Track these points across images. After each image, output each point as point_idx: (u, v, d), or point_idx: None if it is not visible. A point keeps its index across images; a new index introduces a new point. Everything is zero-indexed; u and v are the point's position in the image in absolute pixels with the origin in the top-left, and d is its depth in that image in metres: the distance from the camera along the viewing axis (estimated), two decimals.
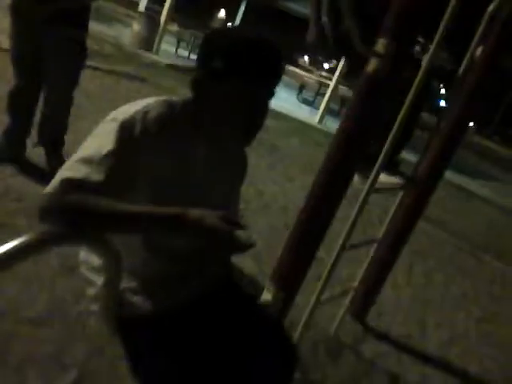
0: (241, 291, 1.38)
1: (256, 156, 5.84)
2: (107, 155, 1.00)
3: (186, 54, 13.03)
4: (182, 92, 7.70)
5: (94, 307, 1.21)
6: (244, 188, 4.82)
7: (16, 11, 2.78)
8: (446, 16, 1.80)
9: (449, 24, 1.79)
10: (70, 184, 0.96)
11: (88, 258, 1.21)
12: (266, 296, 1.81)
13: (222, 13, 20.63)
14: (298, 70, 17.06)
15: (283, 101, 13.17)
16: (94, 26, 3.27)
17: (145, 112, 1.06)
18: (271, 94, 1.11)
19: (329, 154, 1.74)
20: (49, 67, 2.88)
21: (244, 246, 0.95)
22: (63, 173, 0.98)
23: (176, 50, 12.82)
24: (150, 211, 0.97)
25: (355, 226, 2.05)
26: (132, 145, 1.03)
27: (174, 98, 1.16)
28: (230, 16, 19.99)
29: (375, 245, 2.49)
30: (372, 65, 1.63)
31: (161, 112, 1.08)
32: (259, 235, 3.53)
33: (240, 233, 0.94)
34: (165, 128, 1.08)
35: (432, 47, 1.82)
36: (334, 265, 2.14)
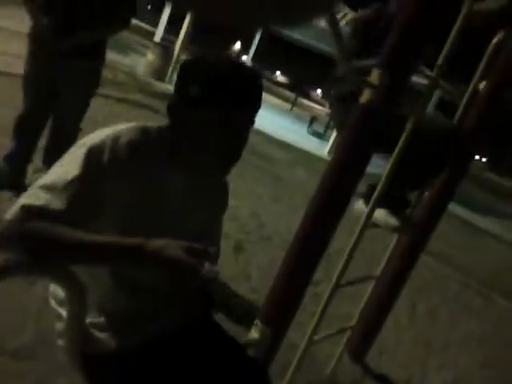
0: (218, 330, 1.30)
1: (260, 186, 5.80)
2: (71, 182, 0.95)
3: None
4: None
5: (61, 342, 1.14)
6: (245, 219, 4.78)
7: (35, 40, 2.79)
8: (447, 46, 1.76)
9: (449, 54, 1.75)
10: (28, 211, 0.92)
11: (56, 290, 1.14)
12: (253, 334, 1.72)
13: (238, 45, 20.98)
14: (309, 103, 17.19)
15: (292, 132, 13.27)
16: (109, 55, 3.30)
17: (115, 137, 1.02)
18: (250, 122, 1.07)
19: (321, 184, 1.69)
20: (61, 96, 2.89)
21: (205, 279, 0.88)
22: (23, 200, 0.94)
23: None
24: (108, 241, 0.91)
25: (351, 261, 1.97)
26: (99, 171, 0.98)
27: (150, 125, 1.11)
28: (245, 48, 20.32)
29: (373, 282, 2.40)
30: (366, 95, 1.59)
31: (133, 138, 1.04)
32: (258, 268, 3.45)
33: (205, 265, 0.88)
34: (137, 154, 1.03)
35: (432, 76, 1.77)
36: (328, 302, 2.05)
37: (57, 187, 0.94)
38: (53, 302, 1.16)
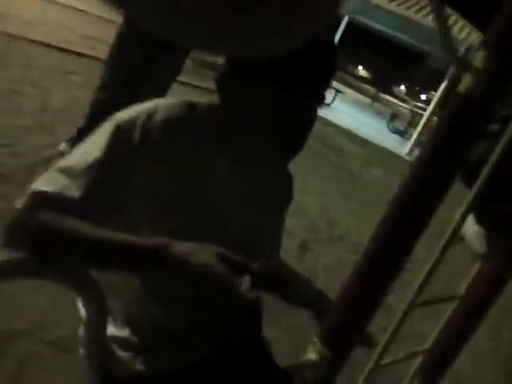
0: (266, 357, 1.08)
1: (331, 183, 5.52)
2: (92, 165, 0.79)
3: None
4: None
5: (81, 351, 0.98)
6: (313, 216, 4.52)
7: (127, 24, 2.74)
8: None
9: None
10: (41, 198, 0.76)
11: None
12: (310, 354, 1.50)
13: None
14: (391, 99, 16.65)
15: (371, 128, 12.76)
16: None
17: (151, 113, 0.83)
18: (318, 101, 0.85)
19: (405, 182, 1.42)
20: (142, 82, 2.81)
21: (240, 296, 0.68)
22: (37, 184, 0.78)
23: None
24: (125, 240, 0.74)
25: (431, 277, 1.70)
26: (127, 153, 0.80)
27: (198, 100, 0.91)
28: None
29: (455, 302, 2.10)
30: (465, 82, 1.30)
31: (172, 114, 0.85)
32: (325, 270, 3.21)
33: (240, 279, 0.68)
34: (175, 134, 0.84)
35: None
36: (400, 324, 1.79)
37: (75, 171, 0.78)
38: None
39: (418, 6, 11.91)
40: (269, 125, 0.83)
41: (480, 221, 1.76)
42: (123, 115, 0.84)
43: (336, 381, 1.59)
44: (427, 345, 2.11)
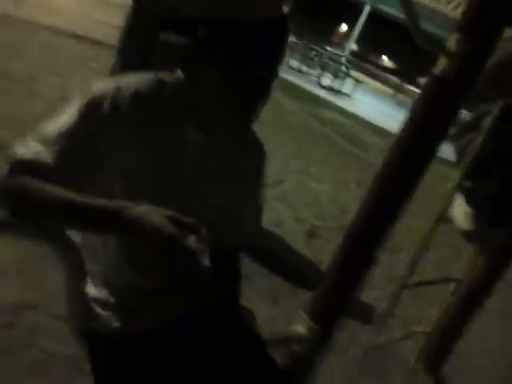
0: (241, 319, 1.14)
1: (346, 172, 5.54)
2: (64, 133, 0.87)
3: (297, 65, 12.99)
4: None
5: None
6: (324, 204, 4.53)
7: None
8: None
9: None
10: (17, 164, 0.86)
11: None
12: (298, 327, 1.55)
13: (344, 26, 20.55)
14: (415, 89, 16.42)
15: (393, 118, 12.62)
16: None
17: (121, 87, 0.91)
18: (270, 73, 0.92)
19: (383, 165, 1.47)
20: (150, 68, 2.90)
21: (188, 253, 0.75)
22: (15, 151, 0.87)
23: (288, 61, 12.83)
24: (87, 202, 0.82)
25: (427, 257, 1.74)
26: (97, 123, 0.88)
27: (166, 76, 0.98)
28: (351, 29, 19.69)
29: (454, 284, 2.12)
30: (440, 65, 1.34)
31: (141, 88, 0.92)
32: (331, 256, 3.24)
33: (190, 238, 0.74)
34: (144, 107, 0.91)
35: None
36: (393, 302, 1.83)
37: (49, 139, 0.87)
38: None
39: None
40: (224, 95, 0.90)
41: (469, 201, 1.79)
42: (95, 88, 0.91)
43: (323, 354, 1.65)
44: (423, 327, 2.15)
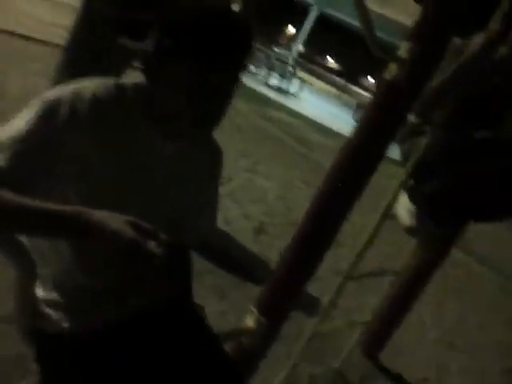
0: (194, 317, 1.17)
1: (293, 171, 5.65)
2: (19, 138, 0.85)
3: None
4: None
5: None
6: (272, 201, 4.62)
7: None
8: None
9: None
10: None
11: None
12: (248, 322, 1.61)
13: (291, 29, 20.76)
14: (359, 90, 16.81)
15: (338, 118, 12.97)
16: None
17: (78, 91, 0.90)
18: (233, 79, 0.93)
19: (332, 168, 1.54)
20: (96, 69, 2.87)
21: (149, 257, 0.76)
22: None
23: None
24: (44, 208, 0.80)
25: (371, 251, 1.84)
26: (53, 128, 0.87)
27: (126, 81, 0.99)
28: (298, 31, 19.91)
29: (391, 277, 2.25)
30: (391, 70, 1.42)
31: (99, 93, 0.91)
32: (279, 252, 3.32)
33: (150, 243, 0.76)
34: (102, 112, 0.91)
35: None
36: (337, 292, 1.92)
37: (3, 144, 0.84)
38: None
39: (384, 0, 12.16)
40: (186, 101, 0.90)
41: (412, 199, 1.91)
42: (51, 93, 0.90)
43: (271, 347, 1.71)
44: (366, 317, 2.26)
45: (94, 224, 0.77)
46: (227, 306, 2.48)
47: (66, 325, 0.98)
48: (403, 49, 1.43)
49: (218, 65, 0.89)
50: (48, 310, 1.00)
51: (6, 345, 1.67)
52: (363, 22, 1.44)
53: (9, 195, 0.80)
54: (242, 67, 0.93)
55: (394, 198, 1.83)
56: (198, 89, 0.89)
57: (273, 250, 3.35)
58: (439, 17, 1.43)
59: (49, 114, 0.87)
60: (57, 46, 5.10)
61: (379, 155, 1.54)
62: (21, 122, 0.87)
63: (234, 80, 0.93)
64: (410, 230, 2.05)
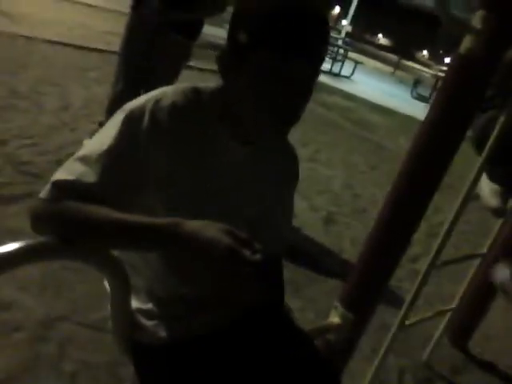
0: (286, 324, 1.13)
1: (355, 156, 5.52)
2: (106, 151, 0.84)
3: None
4: None
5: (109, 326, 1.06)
6: (338, 190, 4.54)
7: (137, 15, 2.85)
8: None
9: None
10: (60, 187, 0.83)
11: None
12: (333, 318, 1.56)
13: (337, 9, 20.32)
14: (414, 65, 16.22)
15: (394, 97, 12.56)
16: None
17: (158, 99, 0.88)
18: (312, 74, 0.87)
19: (412, 148, 1.45)
20: (154, 71, 2.91)
21: (246, 264, 0.73)
22: (57, 175, 0.85)
23: None
24: (139, 221, 0.80)
25: (456, 236, 1.73)
26: (138, 138, 0.86)
27: (204, 85, 0.96)
28: (345, 10, 19.44)
29: (479, 260, 2.11)
30: (466, 43, 1.31)
31: (178, 99, 0.90)
32: (352, 241, 3.25)
33: (246, 251, 0.73)
34: (182, 118, 0.89)
35: None
36: (422, 282, 1.83)
37: (91, 159, 0.84)
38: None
39: None
40: (264, 101, 0.85)
41: (493, 179, 1.78)
42: (132, 104, 0.89)
43: (359, 342, 1.66)
44: (454, 304, 2.15)
45: (191, 233, 0.76)
46: (304, 302, 2.44)
47: (162, 334, 0.98)
48: (477, 18, 1.32)
49: (297, 56, 0.82)
50: (144, 321, 1.00)
51: (98, 351, 1.73)
52: None
53: (104, 210, 0.80)
54: (321, 59, 0.86)
55: (476, 179, 1.70)
56: (278, 84, 0.83)
57: (344, 239, 3.28)
58: None
59: (132, 126, 0.86)
60: (112, 53, 5.25)
61: (461, 134, 1.43)
62: (105, 135, 0.87)
63: (314, 73, 0.87)
64: (495, 211, 1.92)
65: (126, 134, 0.86)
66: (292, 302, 2.38)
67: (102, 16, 9.11)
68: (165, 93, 0.91)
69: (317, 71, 0.87)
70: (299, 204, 3.61)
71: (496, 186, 1.84)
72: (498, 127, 1.61)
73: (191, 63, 6.26)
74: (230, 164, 0.96)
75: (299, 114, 0.89)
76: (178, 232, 0.76)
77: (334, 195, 4.04)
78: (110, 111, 2.99)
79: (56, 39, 5.93)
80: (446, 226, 1.73)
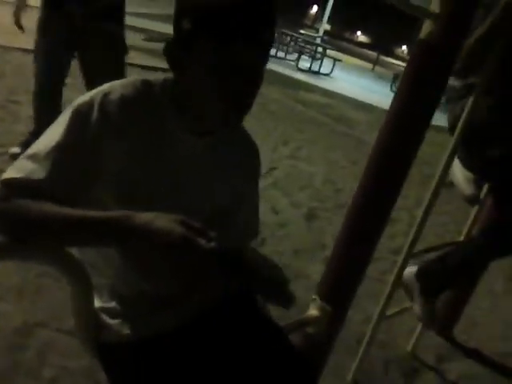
0: (255, 313, 1.12)
1: (336, 152, 5.53)
2: (55, 147, 0.83)
3: (273, 52, 12.93)
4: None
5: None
6: (319, 186, 4.54)
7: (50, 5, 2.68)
8: None
9: None
10: (10, 185, 0.82)
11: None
12: (311, 311, 1.55)
13: (315, 8, 20.40)
14: (393, 61, 16.36)
15: (374, 92, 12.63)
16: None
17: (107, 93, 0.87)
18: (258, 56, 0.85)
19: (378, 139, 1.45)
20: (91, 65, 2.77)
21: (201, 253, 0.72)
22: (6, 173, 0.83)
23: None
24: (90, 215, 0.78)
25: (432, 225, 1.73)
26: (87, 132, 0.84)
27: (155, 78, 0.95)
28: (322, 9, 19.55)
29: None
30: (426, 28, 1.31)
31: (127, 92, 0.88)
32: (334, 237, 3.24)
33: (201, 240, 0.72)
34: (132, 110, 0.87)
35: None
36: (400, 272, 1.83)
37: (40, 155, 0.83)
38: None
39: None
40: (212, 89, 0.85)
41: (466, 166, 1.78)
42: (80, 99, 0.88)
43: (339, 334, 1.65)
44: None
45: (143, 224, 0.74)
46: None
47: (126, 332, 0.96)
48: (435, 3, 1.32)
49: (241, 42, 0.81)
50: (108, 320, 0.99)
51: (77, 357, 1.70)
52: None
53: (53, 207, 0.79)
54: (268, 43, 0.85)
55: (447, 167, 1.70)
56: (224, 72, 0.83)
57: (327, 235, 3.28)
58: None
59: (81, 120, 0.85)
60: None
61: (424, 122, 1.43)
62: (54, 131, 0.85)
63: (261, 59, 0.86)
64: (469, 199, 1.92)
65: (75, 128, 0.85)
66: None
67: None
68: (113, 86, 0.89)
69: (264, 56, 0.86)
70: (280, 200, 3.61)
71: (469, 173, 1.84)
72: (466, 111, 1.62)
73: (139, 61, 6.06)
74: (186, 157, 0.94)
75: (249, 102, 0.88)
76: (130, 224, 0.75)
77: (315, 191, 4.03)
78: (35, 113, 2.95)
79: (29, 47, 5.84)
80: (421, 214, 1.73)
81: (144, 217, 0.75)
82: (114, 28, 2.73)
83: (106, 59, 2.74)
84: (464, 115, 1.64)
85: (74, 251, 0.95)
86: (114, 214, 0.77)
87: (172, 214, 0.75)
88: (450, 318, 2.43)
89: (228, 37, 0.80)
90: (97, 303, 1.00)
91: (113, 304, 0.99)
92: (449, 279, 1.89)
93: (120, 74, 2.76)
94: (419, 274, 1.89)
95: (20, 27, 2.78)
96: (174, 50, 0.87)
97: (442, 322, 2.40)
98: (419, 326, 2.19)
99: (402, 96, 1.40)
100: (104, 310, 1.00)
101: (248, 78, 0.85)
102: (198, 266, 0.74)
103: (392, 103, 1.42)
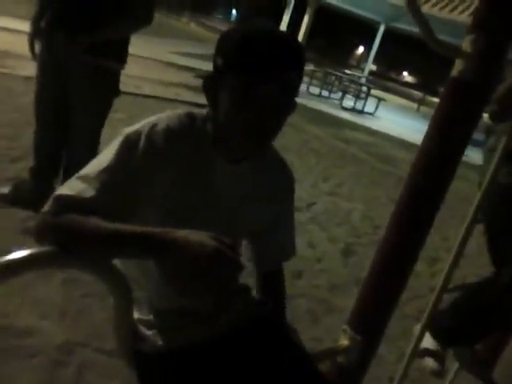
0: (285, 339, 1.16)
1: (377, 189, 5.52)
2: (104, 170, 0.92)
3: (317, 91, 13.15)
4: None
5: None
6: (358, 221, 4.52)
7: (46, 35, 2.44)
8: None
9: None
10: (62, 201, 0.91)
11: None
12: (342, 340, 1.56)
13: (360, 49, 20.63)
14: (438, 100, 16.11)
15: (418, 132, 12.51)
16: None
17: (154, 124, 0.97)
18: (281, 94, 0.92)
19: (408, 175, 1.48)
20: (75, 103, 2.50)
21: (233, 265, 0.79)
22: (58, 191, 0.93)
23: (308, 88, 12.99)
24: (134, 230, 0.86)
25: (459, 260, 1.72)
26: (134, 159, 0.94)
27: (199, 111, 1.04)
28: (368, 50, 19.75)
29: None
30: (457, 67, 1.35)
31: (172, 124, 0.98)
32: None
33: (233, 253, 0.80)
34: (175, 141, 0.97)
35: None
36: (435, 307, 1.81)
37: (90, 176, 0.92)
38: None
39: (451, 6, 11.84)
40: (240, 120, 0.93)
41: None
42: (129, 129, 0.98)
43: (369, 365, 1.65)
44: None
45: (181, 238, 0.81)
46: (321, 332, 2.43)
47: (161, 343, 1.04)
48: (466, 42, 1.36)
49: (264, 81, 0.90)
50: (144, 330, 1.07)
51: (115, 378, 1.76)
52: (417, 19, 1.37)
53: (99, 221, 0.87)
54: (292, 83, 0.93)
55: (480, 202, 1.70)
56: (247, 107, 0.91)
57: (363, 270, 3.25)
58: (504, 2, 1.35)
59: (129, 147, 0.94)
60: (136, 95, 5.35)
61: (455, 159, 1.45)
62: (103, 156, 0.95)
63: (284, 97, 0.94)
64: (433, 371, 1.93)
65: (123, 154, 0.94)
66: (310, 331, 2.39)
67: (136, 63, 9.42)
68: (160, 118, 0.99)
69: (288, 95, 0.94)
70: (317, 234, 3.64)
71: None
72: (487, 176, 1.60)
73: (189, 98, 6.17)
74: (223, 183, 1.03)
75: (269, 136, 0.96)
76: (169, 237, 0.82)
77: (352, 227, 4.04)
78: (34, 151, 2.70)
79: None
80: (455, 248, 1.73)
81: (182, 232, 0.83)
82: (111, 66, 2.50)
83: (92, 96, 2.50)
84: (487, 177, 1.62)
85: (118, 264, 1.03)
86: (156, 229, 0.85)
87: (206, 232, 0.82)
88: (489, 359, 2.36)
89: (250, 76, 0.89)
90: (136, 315, 1.08)
91: (150, 317, 1.07)
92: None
93: (101, 114, 2.60)
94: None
95: (33, 52, 2.52)
96: (209, 85, 0.97)
97: (477, 363, 2.33)
98: (455, 366, 2.15)
99: (433, 133, 1.43)
100: (142, 321, 1.08)
101: (267, 114, 0.93)
102: (226, 277, 0.81)
103: (423, 140, 1.46)
